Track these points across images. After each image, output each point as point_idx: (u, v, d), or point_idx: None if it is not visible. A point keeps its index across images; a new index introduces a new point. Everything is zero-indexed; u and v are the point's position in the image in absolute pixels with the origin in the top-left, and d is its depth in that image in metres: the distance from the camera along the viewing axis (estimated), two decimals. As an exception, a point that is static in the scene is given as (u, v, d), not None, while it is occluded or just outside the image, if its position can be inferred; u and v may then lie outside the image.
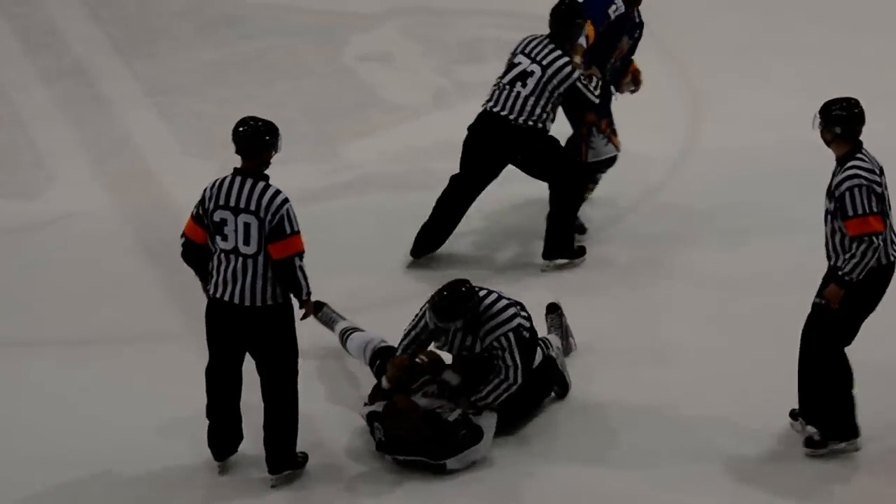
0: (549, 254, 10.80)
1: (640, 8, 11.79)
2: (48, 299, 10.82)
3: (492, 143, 10.96)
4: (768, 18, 14.34)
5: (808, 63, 13.63)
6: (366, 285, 10.61)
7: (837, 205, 8.80)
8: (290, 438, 8.76)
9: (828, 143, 8.99)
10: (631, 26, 11.55)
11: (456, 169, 11.37)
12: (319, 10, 14.64)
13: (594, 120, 11.25)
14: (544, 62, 10.90)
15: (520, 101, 10.81)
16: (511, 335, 9.59)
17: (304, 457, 8.82)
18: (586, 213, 11.55)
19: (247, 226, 8.42)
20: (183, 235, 8.63)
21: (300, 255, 8.51)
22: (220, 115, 12.19)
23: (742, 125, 12.57)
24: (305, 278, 8.56)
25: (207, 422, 8.75)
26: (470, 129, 11.09)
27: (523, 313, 9.65)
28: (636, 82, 11.59)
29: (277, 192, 8.48)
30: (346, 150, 12.28)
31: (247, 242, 8.44)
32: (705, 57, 13.78)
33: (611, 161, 11.40)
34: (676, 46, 13.95)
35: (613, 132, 11.35)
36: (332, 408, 9.44)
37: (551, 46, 10.98)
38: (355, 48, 14.15)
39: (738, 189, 11.89)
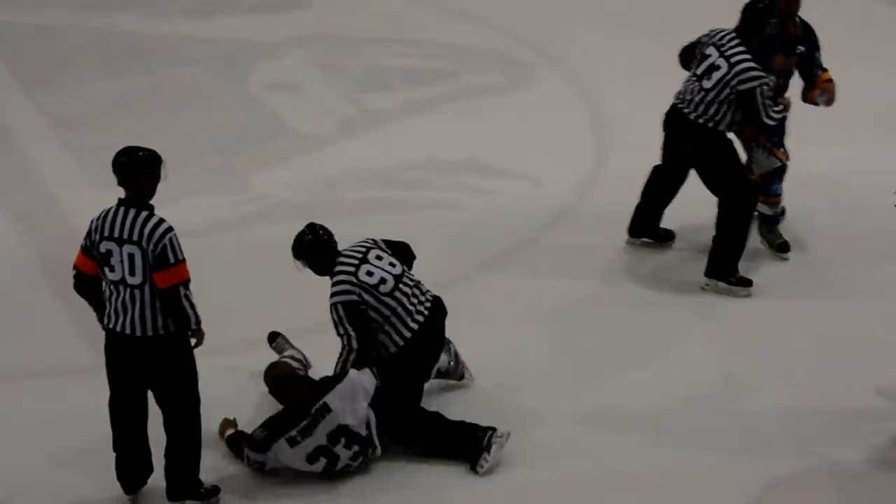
0: (711, 272, 10.86)
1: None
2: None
3: (673, 137, 11.20)
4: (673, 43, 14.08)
5: None
6: (280, 313, 10.40)
7: None
8: (190, 468, 8.68)
9: None
10: (785, 44, 11.31)
11: (367, 198, 11.64)
12: (224, 40, 14.66)
13: (752, 134, 11.21)
14: (732, 59, 10.92)
15: (699, 96, 10.92)
16: (339, 307, 9.61)
17: (214, 489, 8.75)
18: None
19: (131, 256, 8.40)
20: (75, 268, 8.61)
21: (185, 283, 8.45)
22: (129, 145, 12.03)
23: (648, 151, 12.01)
24: (193, 307, 8.50)
25: (115, 454, 8.64)
26: (663, 120, 11.31)
27: (359, 282, 9.60)
28: (826, 93, 11.37)
29: (160, 221, 8.43)
30: (254, 180, 12.18)
31: (132, 273, 8.42)
32: (612, 83, 13.64)
33: (780, 172, 11.34)
34: (584, 73, 13.89)
35: (775, 145, 11.28)
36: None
37: (737, 41, 10.99)
38: (261, 77, 14.05)
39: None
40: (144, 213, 8.37)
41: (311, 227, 9.75)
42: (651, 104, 12.54)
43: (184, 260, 8.40)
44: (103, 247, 8.36)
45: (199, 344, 8.64)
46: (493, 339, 10.44)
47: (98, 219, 8.44)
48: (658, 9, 15.08)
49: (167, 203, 8.62)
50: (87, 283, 8.53)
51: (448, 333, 9.85)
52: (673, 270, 11.34)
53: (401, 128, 13.02)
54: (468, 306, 10.43)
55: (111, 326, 8.41)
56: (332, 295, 9.63)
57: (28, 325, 10.77)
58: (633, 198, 11.64)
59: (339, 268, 9.61)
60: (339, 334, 9.60)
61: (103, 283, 8.48)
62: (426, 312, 9.53)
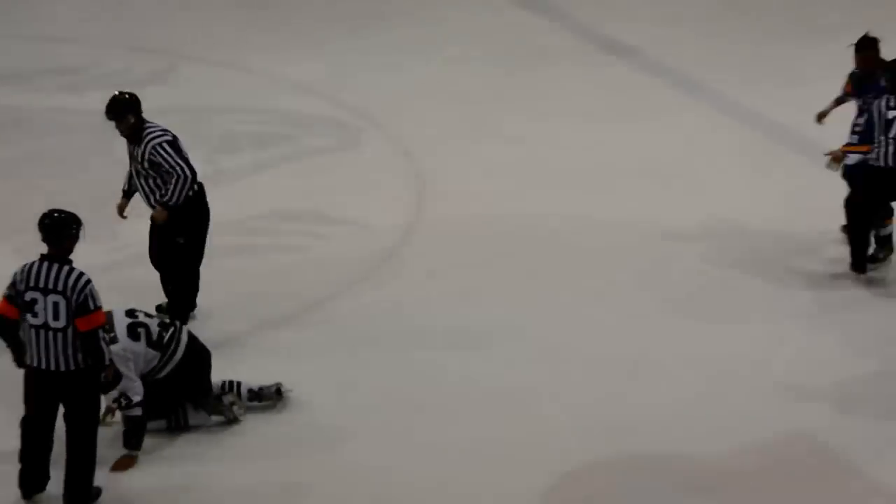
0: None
1: None
2: None
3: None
4: (477, 109, 14.65)
5: (514, 149, 13.88)
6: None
7: None
8: (85, 477, 8.87)
9: None
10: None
11: (223, 242, 11.63)
12: (96, 111, 13.93)
13: None
14: None
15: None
16: (164, 144, 10.78)
17: (98, 491, 8.96)
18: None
19: (56, 304, 8.60)
20: None
21: (102, 327, 8.74)
22: (13, 203, 12.45)
23: (457, 199, 12.88)
24: (107, 346, 8.79)
25: (20, 464, 8.87)
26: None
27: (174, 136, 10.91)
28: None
29: (81, 274, 8.64)
30: (122, 231, 11.94)
31: (56, 318, 8.61)
32: (425, 143, 13.88)
33: None
34: (404, 135, 14.10)
35: None
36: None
37: None
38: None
39: (460, 249, 12.13)
40: (67, 267, 8.63)
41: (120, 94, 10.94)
42: (458, 160, 13.43)
43: (101, 307, 8.69)
44: (28, 296, 8.60)
45: (108, 377, 8.90)
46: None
47: (22, 271, 8.65)
48: (460, 81, 15.27)
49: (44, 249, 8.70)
50: (9, 326, 8.74)
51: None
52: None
53: (249, 184, 13.21)
54: (318, 328, 11.01)
55: (34, 364, 8.66)
56: (153, 139, 10.81)
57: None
58: (447, 238, 12.18)
59: (150, 127, 10.86)
60: (170, 167, 10.72)
61: (22, 327, 8.70)
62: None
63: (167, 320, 9.90)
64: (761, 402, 10.08)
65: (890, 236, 12.13)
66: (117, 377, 9.23)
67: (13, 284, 8.72)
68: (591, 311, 11.34)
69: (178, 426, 9.80)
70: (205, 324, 10.98)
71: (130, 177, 11.09)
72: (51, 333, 8.67)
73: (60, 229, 8.77)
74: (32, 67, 15.22)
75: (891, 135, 11.48)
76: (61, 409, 8.96)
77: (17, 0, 17.34)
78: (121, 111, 10.93)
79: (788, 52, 16.16)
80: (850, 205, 11.76)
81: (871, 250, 12.07)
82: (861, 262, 11.94)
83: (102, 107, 13.79)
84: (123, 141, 13.60)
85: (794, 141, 13.96)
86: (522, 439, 9.72)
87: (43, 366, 8.71)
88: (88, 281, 8.68)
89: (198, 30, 16.41)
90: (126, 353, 9.32)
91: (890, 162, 11.51)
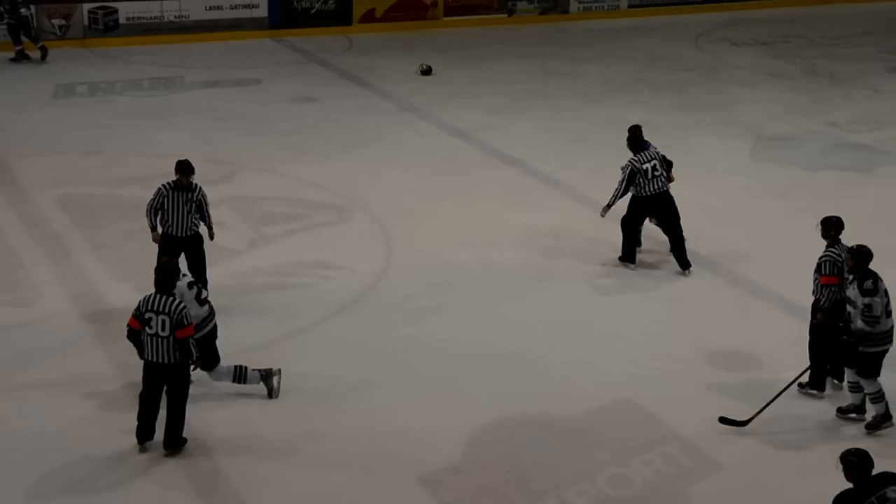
0: None
1: None
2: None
3: None
4: (424, 198, 14.44)
5: (447, 222, 13.63)
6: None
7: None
8: (178, 431, 8.91)
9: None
10: None
11: (263, 281, 11.67)
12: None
13: None
14: None
15: None
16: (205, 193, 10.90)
17: (185, 440, 8.96)
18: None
19: (163, 321, 8.66)
20: (127, 326, 8.82)
21: (192, 336, 8.78)
22: (135, 256, 12.05)
23: (422, 256, 12.70)
24: (195, 347, 8.82)
25: (137, 422, 8.92)
26: None
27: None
28: None
29: (180, 301, 8.73)
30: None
31: (163, 330, 8.67)
32: (396, 219, 13.64)
33: None
34: (381, 213, 13.81)
35: None
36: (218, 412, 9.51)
37: None
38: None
39: (416, 283, 11.99)
40: (170, 298, 8.73)
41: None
42: (413, 229, 13.32)
43: (191, 323, 8.77)
44: (147, 315, 8.69)
45: (197, 366, 8.95)
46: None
47: (144, 300, 8.73)
48: (415, 180, 14.99)
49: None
50: (136, 334, 8.80)
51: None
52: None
53: (280, 244, 12.93)
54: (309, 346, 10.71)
55: (149, 358, 8.75)
56: (200, 187, 10.79)
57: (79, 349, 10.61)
58: (407, 277, 12.00)
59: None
60: (208, 202, 10.86)
61: (143, 334, 8.75)
62: None
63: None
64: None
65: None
66: (210, 360, 9.31)
67: (138, 307, 8.81)
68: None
69: (240, 378, 9.59)
70: (248, 334, 10.87)
71: (156, 214, 10.95)
72: (159, 339, 8.76)
73: (168, 274, 8.91)
74: (146, 173, 14.67)
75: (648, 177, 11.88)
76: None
77: (133, 128, 17.06)
78: (191, 169, 10.90)
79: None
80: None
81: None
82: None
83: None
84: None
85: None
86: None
87: (154, 359, 8.81)
88: (184, 307, 8.77)
89: (250, 148, 16.19)
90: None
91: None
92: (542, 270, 12.39)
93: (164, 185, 10.99)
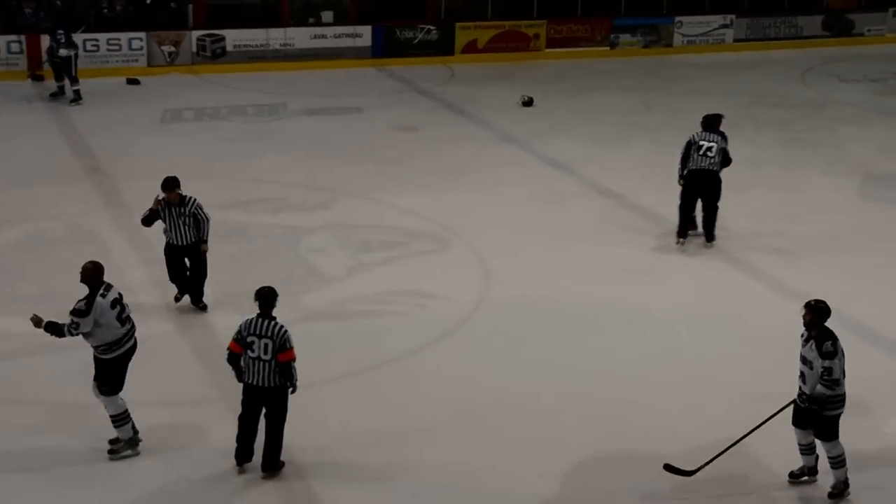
0: None
1: None
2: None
3: None
4: (521, 228, 14.45)
5: (544, 252, 13.62)
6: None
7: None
8: (277, 453, 8.97)
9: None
10: None
11: (364, 308, 11.74)
12: (285, 225, 14.15)
13: None
14: None
15: None
16: (199, 202, 11.26)
17: (283, 464, 9.01)
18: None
19: (265, 344, 8.70)
20: (228, 349, 8.86)
21: (293, 360, 8.76)
22: (235, 281, 12.22)
23: (516, 286, 12.71)
24: (295, 372, 8.77)
25: (236, 444, 9.01)
26: None
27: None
28: None
29: (282, 326, 8.74)
30: (302, 300, 11.81)
31: (265, 353, 8.71)
32: (491, 248, 13.60)
33: None
34: (477, 243, 13.80)
35: None
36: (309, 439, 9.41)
37: None
38: (305, 245, 13.58)
39: (511, 314, 11.96)
40: (273, 321, 8.74)
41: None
42: (514, 261, 13.40)
43: (293, 348, 8.71)
44: (249, 339, 8.73)
45: (293, 391, 8.81)
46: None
47: (246, 323, 8.76)
48: (510, 211, 15.03)
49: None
50: (236, 357, 8.84)
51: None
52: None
53: (378, 271, 12.97)
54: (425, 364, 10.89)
55: (249, 381, 8.78)
56: (195, 201, 11.28)
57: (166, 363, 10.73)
58: (511, 314, 11.93)
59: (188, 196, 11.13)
60: (203, 215, 11.17)
61: (244, 358, 8.80)
62: None
63: None
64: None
65: None
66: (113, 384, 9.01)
67: (240, 331, 8.86)
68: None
69: (117, 422, 9.17)
70: (345, 360, 10.97)
71: (149, 220, 11.48)
72: (261, 363, 8.80)
73: (271, 298, 8.89)
74: (249, 198, 15.23)
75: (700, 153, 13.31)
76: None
77: (237, 153, 17.38)
78: (175, 184, 11.27)
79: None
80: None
81: None
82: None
83: (291, 223, 14.13)
84: (303, 244, 13.86)
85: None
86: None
87: (255, 383, 8.86)
88: (287, 330, 8.78)
89: (350, 176, 16.37)
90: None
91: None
92: (638, 305, 12.29)
93: (160, 201, 11.45)
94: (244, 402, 8.93)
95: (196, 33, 23.00)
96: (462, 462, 9.30)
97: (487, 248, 13.75)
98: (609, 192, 15.94)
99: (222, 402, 9.74)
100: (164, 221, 11.50)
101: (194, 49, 22.94)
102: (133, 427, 9.18)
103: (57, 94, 20.18)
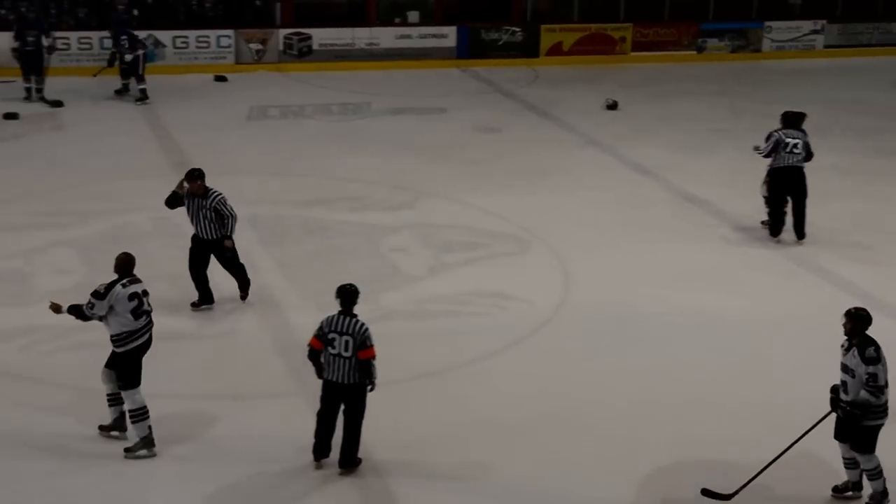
0: None
1: None
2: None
3: None
4: (604, 231, 14.42)
5: (628, 258, 13.51)
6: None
7: None
8: (354, 450, 8.99)
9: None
10: None
11: (444, 308, 11.86)
12: (369, 223, 14.20)
13: None
14: None
15: None
16: (225, 199, 11.21)
17: (360, 460, 9.04)
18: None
19: (346, 342, 8.74)
20: (308, 345, 8.89)
21: (374, 357, 8.79)
22: (317, 277, 12.32)
23: (594, 288, 12.67)
24: (375, 370, 8.81)
25: (314, 440, 9.04)
26: None
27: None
28: None
29: (363, 323, 8.76)
30: (383, 298, 11.90)
31: (346, 350, 8.74)
32: (572, 250, 13.62)
33: None
34: (557, 245, 13.79)
35: None
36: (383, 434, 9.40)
37: None
38: (386, 244, 13.61)
39: (590, 319, 11.90)
40: (354, 318, 8.77)
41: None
42: (595, 265, 13.28)
43: (373, 345, 8.73)
44: (330, 335, 8.76)
45: (373, 389, 8.85)
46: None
47: (328, 320, 8.79)
48: (592, 214, 14.97)
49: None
50: (316, 353, 8.87)
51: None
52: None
53: (459, 272, 12.98)
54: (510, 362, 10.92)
55: (329, 378, 8.82)
56: (218, 196, 11.20)
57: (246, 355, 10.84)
58: (591, 319, 11.78)
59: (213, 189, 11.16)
60: (227, 211, 11.18)
61: (324, 354, 8.84)
62: None
63: None
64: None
65: None
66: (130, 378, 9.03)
67: (321, 328, 8.90)
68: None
69: (135, 418, 9.18)
70: (424, 359, 10.97)
71: (171, 201, 11.60)
72: (341, 359, 8.83)
73: (352, 296, 8.93)
74: (332, 196, 15.35)
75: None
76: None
77: (321, 152, 17.55)
78: (198, 176, 11.35)
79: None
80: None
81: None
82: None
83: (373, 222, 14.19)
84: (384, 243, 13.90)
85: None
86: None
87: (334, 379, 8.89)
88: (367, 328, 8.81)
89: (433, 176, 16.44)
90: None
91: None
92: (720, 313, 12.16)
93: (183, 186, 11.56)
94: (323, 399, 8.97)
95: (283, 32, 23.26)
96: (537, 465, 9.26)
97: (568, 251, 13.70)
98: (693, 199, 15.84)
99: (301, 397, 9.79)
100: (187, 211, 11.59)
101: (281, 47, 23.20)
102: (149, 426, 9.13)
103: (122, 92, 20.37)
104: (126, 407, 9.15)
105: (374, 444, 9.25)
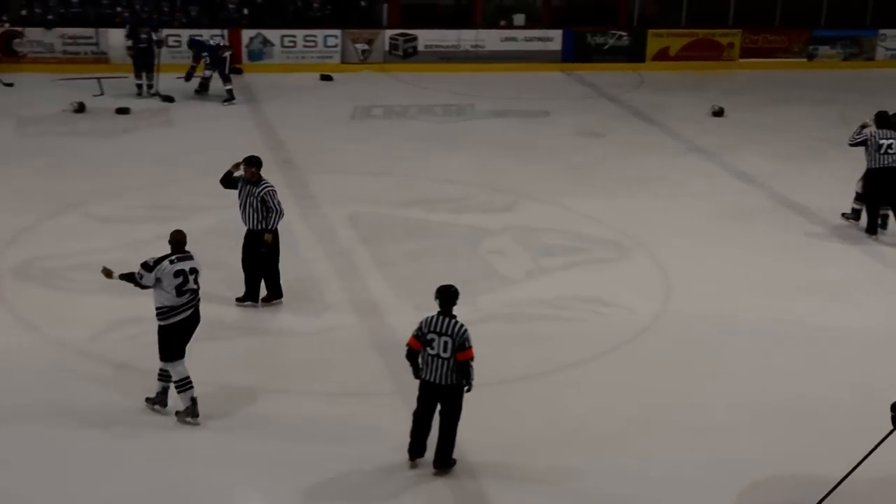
0: None
1: None
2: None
3: None
4: (705, 241, 14.30)
5: (730, 268, 13.36)
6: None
7: None
8: (450, 450, 9.02)
9: None
10: None
11: (541, 312, 11.81)
12: (467, 225, 14.20)
13: None
14: None
15: None
16: (275, 191, 11.28)
17: (454, 461, 9.08)
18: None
19: (445, 342, 8.75)
20: (407, 345, 8.93)
21: (472, 359, 8.79)
22: (417, 278, 12.39)
23: (697, 296, 12.52)
24: (472, 371, 8.81)
25: (409, 439, 9.09)
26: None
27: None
28: None
29: (462, 324, 8.77)
30: (481, 300, 12.05)
31: (445, 351, 8.75)
32: (673, 257, 13.51)
33: None
34: (659, 252, 13.69)
35: None
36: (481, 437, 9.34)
37: None
38: (485, 246, 13.63)
39: (690, 328, 11.73)
40: (453, 320, 8.78)
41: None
42: (696, 274, 13.14)
43: (472, 347, 8.74)
44: (429, 336, 8.78)
45: (470, 390, 8.85)
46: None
47: (426, 321, 8.81)
48: (695, 222, 14.89)
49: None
50: (415, 353, 8.90)
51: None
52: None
53: (558, 276, 12.93)
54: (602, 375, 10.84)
55: (427, 378, 8.84)
56: (268, 187, 11.26)
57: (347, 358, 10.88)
58: (691, 328, 11.67)
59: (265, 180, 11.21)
60: (273, 204, 11.20)
61: (422, 354, 8.85)
62: None
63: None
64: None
65: None
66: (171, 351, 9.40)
67: (420, 328, 8.92)
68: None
69: (180, 387, 9.57)
70: (520, 362, 10.96)
71: (225, 181, 11.66)
72: (440, 360, 8.85)
73: (452, 297, 8.96)
74: (432, 197, 15.47)
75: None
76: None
77: (423, 152, 17.69)
78: (253, 162, 11.46)
79: None
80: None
81: None
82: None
83: (473, 223, 14.20)
84: (483, 245, 13.91)
85: None
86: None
87: (432, 380, 8.92)
88: (466, 329, 8.81)
89: (534, 179, 16.44)
90: None
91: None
92: (823, 326, 12.01)
93: (238, 167, 11.68)
94: (420, 398, 9.01)
95: (389, 32, 23.47)
96: (630, 473, 9.21)
97: (670, 259, 13.61)
98: (798, 208, 15.65)
99: (398, 396, 9.87)
100: (238, 197, 11.67)
101: (387, 48, 23.42)
102: (192, 397, 9.51)
103: (200, 92, 20.44)
104: (173, 379, 9.52)
105: (469, 445, 9.24)
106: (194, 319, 9.56)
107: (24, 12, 22.30)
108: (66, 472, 8.95)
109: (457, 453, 9.13)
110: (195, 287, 9.53)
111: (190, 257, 9.57)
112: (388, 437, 9.38)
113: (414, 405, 9.07)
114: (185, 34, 22.03)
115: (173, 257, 9.47)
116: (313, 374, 10.63)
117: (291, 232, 13.71)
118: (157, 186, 15.63)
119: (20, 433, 9.36)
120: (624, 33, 24.30)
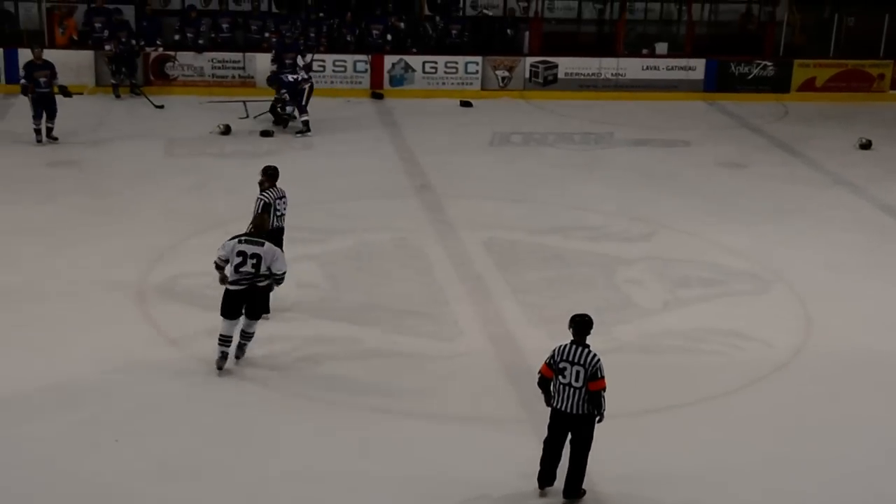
0: None
1: None
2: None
3: None
4: (848, 274, 13.94)
5: (880, 305, 13.08)
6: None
7: None
8: (580, 480, 8.95)
9: None
10: None
11: (674, 343, 11.66)
12: (606, 254, 14.15)
13: None
14: None
15: None
16: (262, 198, 11.61)
17: (584, 492, 8.98)
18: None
19: (577, 372, 8.72)
20: (539, 373, 8.92)
21: (604, 389, 8.73)
22: (548, 304, 12.50)
23: (838, 328, 12.28)
24: (604, 401, 8.75)
25: (539, 467, 9.02)
26: None
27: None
28: None
29: (595, 354, 8.73)
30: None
31: (577, 380, 8.73)
32: (815, 295, 13.16)
33: None
34: (800, 285, 13.39)
35: None
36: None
37: None
38: (621, 275, 13.68)
39: (832, 368, 11.47)
40: (587, 349, 8.76)
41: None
42: (839, 310, 12.80)
43: (604, 377, 8.69)
44: (561, 364, 8.76)
45: (601, 420, 8.76)
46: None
47: (559, 349, 8.80)
48: (836, 256, 14.48)
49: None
50: (547, 381, 8.89)
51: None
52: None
53: (694, 308, 12.74)
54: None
55: (558, 406, 8.80)
56: (259, 195, 11.60)
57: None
58: (832, 365, 11.45)
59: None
60: (257, 207, 11.46)
61: (554, 383, 8.84)
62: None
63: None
64: None
65: None
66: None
67: (552, 356, 8.92)
68: None
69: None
70: (654, 394, 10.84)
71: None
72: (571, 389, 8.83)
73: (586, 326, 8.92)
74: (569, 224, 15.38)
75: None
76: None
77: (561, 180, 17.63)
78: (266, 171, 11.95)
79: None
80: None
81: None
82: None
83: (609, 252, 14.04)
84: (619, 274, 13.78)
85: None
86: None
87: (563, 408, 8.90)
88: (599, 359, 8.78)
89: (673, 209, 16.26)
90: None
91: None
92: None
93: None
94: (551, 427, 8.99)
95: (530, 60, 23.57)
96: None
97: (811, 293, 13.34)
98: (950, 245, 15.29)
99: (529, 423, 9.85)
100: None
101: (527, 75, 23.52)
102: (221, 351, 10.53)
103: (278, 124, 19.94)
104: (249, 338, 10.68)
105: (599, 475, 9.17)
106: (248, 294, 10.44)
107: (176, 37, 23.04)
108: (200, 482, 9.11)
109: (586, 483, 9.07)
110: (252, 271, 10.37)
111: (260, 244, 10.42)
112: (518, 464, 9.31)
113: (544, 433, 9.05)
114: (330, 59, 22.47)
115: (242, 238, 10.44)
116: (445, 398, 10.67)
117: (426, 256, 13.84)
118: (297, 207, 15.80)
119: (157, 444, 9.60)
120: (769, 63, 23.94)
